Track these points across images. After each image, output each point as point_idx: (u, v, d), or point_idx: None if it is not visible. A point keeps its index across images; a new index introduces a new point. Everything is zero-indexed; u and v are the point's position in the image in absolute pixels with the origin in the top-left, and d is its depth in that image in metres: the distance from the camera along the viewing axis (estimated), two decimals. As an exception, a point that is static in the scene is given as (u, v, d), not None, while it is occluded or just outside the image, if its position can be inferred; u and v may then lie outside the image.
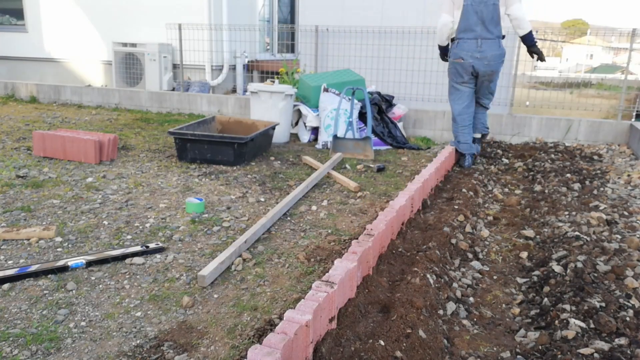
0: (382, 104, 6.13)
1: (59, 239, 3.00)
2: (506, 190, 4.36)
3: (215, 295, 2.44)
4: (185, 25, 7.86)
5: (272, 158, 5.15)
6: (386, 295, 2.37)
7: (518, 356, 2.02)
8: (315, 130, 6.14)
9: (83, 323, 2.18)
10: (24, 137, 5.69)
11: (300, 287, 2.54)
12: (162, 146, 5.50)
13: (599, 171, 4.69)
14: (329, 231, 3.29)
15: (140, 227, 3.23)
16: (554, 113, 6.72)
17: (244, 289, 2.51)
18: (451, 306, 2.34)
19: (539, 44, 4.73)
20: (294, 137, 6.30)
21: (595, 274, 2.48)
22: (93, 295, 2.41)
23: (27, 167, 4.44)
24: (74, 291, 2.43)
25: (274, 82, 6.82)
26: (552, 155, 5.31)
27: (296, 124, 6.42)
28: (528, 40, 4.58)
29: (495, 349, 2.10)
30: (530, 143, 6.09)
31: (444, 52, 4.90)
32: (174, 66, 8.70)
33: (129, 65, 8.68)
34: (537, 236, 3.22)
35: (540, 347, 2.04)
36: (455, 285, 2.55)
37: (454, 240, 3.01)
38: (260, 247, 3.00)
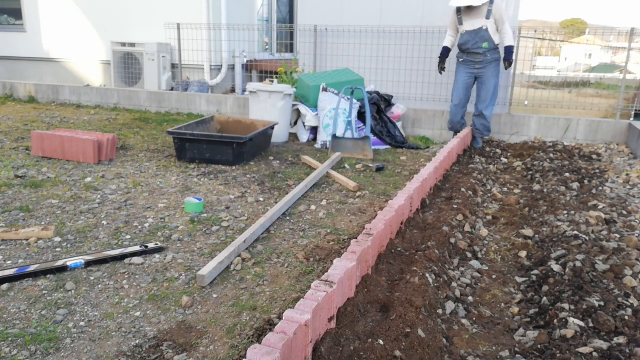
0: (380, 104, 6.13)
1: (57, 238, 2.99)
2: (505, 189, 4.36)
3: (215, 295, 2.44)
4: (183, 24, 7.85)
5: (271, 157, 5.15)
6: (385, 294, 2.37)
7: (517, 355, 2.02)
8: (314, 130, 6.14)
9: (82, 323, 2.18)
10: (23, 136, 5.69)
11: (299, 286, 2.54)
12: (160, 146, 5.49)
13: (597, 170, 4.70)
14: (328, 230, 3.29)
15: (139, 226, 3.23)
16: (553, 112, 6.72)
17: (243, 289, 2.51)
18: (450, 305, 2.34)
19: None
20: (293, 136, 6.30)
21: (594, 273, 2.49)
22: (92, 295, 2.41)
23: (25, 167, 4.43)
24: (72, 291, 2.43)
25: (272, 81, 6.82)
26: (551, 155, 5.32)
27: (295, 123, 6.42)
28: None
29: (494, 348, 2.10)
30: (529, 142, 6.09)
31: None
32: (173, 66, 8.69)
33: (128, 64, 8.67)
34: (536, 235, 3.22)
35: (539, 346, 2.04)
36: (454, 284, 2.55)
37: (452, 240, 3.01)
38: (259, 246, 3.00)
